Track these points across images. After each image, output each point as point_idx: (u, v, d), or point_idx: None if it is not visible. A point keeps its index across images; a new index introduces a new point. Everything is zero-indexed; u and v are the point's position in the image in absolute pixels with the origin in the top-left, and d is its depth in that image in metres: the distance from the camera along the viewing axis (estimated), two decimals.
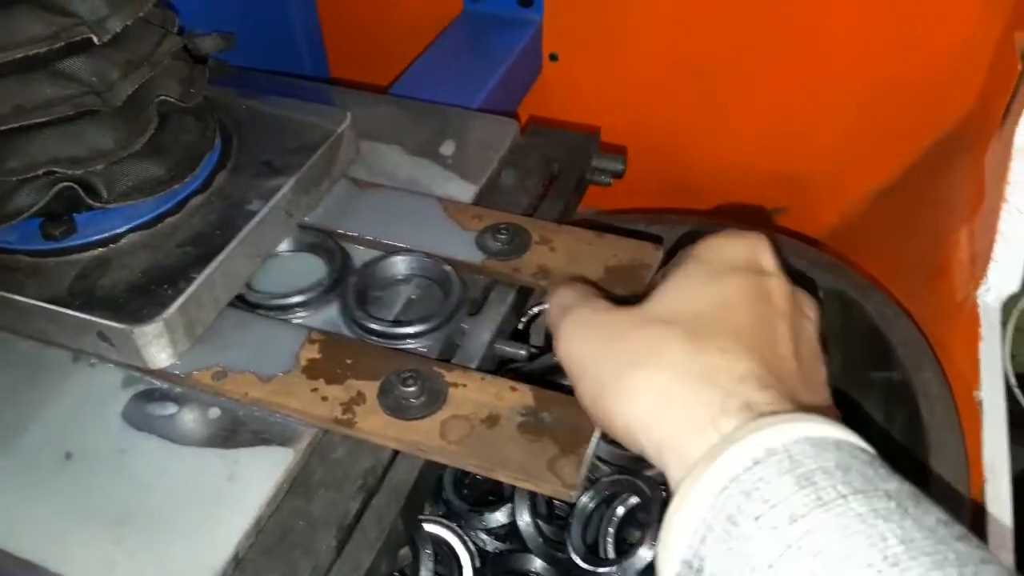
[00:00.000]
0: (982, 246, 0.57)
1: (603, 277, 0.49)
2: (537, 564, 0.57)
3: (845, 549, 0.25)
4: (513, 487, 0.60)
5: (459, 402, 0.42)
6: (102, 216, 0.47)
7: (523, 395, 0.42)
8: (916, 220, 0.73)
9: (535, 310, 0.57)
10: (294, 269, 0.51)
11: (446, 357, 0.46)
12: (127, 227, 0.47)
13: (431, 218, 0.53)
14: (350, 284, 0.48)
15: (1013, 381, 0.62)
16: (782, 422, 0.29)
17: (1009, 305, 0.59)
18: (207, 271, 0.44)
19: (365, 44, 0.93)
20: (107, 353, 0.44)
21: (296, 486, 0.40)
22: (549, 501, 0.60)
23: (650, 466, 0.43)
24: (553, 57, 0.85)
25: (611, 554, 0.54)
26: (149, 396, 0.44)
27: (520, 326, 0.57)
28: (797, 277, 0.38)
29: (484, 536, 0.58)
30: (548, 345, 0.44)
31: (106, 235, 0.46)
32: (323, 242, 0.52)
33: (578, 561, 0.53)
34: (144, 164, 0.47)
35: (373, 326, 0.46)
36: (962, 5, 0.68)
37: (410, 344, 0.46)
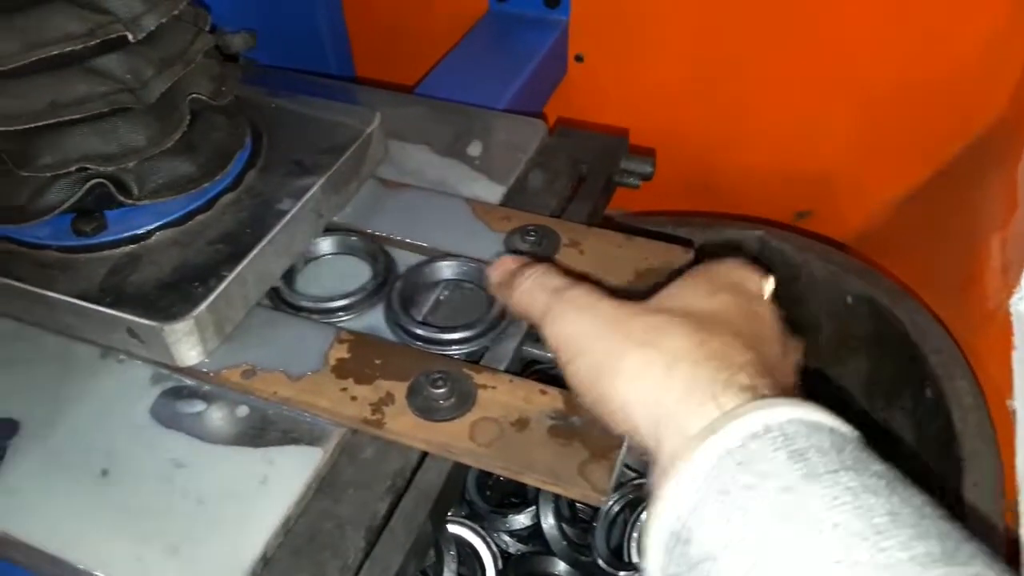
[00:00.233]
0: (1015, 255, 0.56)
1: (632, 280, 0.48)
2: (560, 567, 0.57)
3: (834, 517, 0.27)
4: (537, 489, 0.60)
5: (488, 404, 0.41)
6: (133, 213, 0.47)
7: (553, 398, 0.42)
8: (946, 226, 0.72)
9: None
10: (338, 272, 0.51)
11: (474, 358, 0.46)
12: (157, 224, 0.47)
13: (459, 219, 0.53)
14: (396, 288, 0.48)
15: None
16: (781, 404, 0.30)
17: None
18: (238, 269, 0.44)
19: (391, 44, 0.93)
20: (136, 350, 0.44)
21: (325, 486, 0.40)
22: (572, 504, 0.60)
23: None
24: (579, 58, 0.85)
25: (635, 558, 0.54)
26: (178, 393, 0.44)
27: None
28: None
29: (507, 538, 0.58)
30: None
31: (137, 232, 0.46)
32: (367, 245, 0.51)
33: (603, 565, 0.53)
34: (175, 162, 0.47)
35: (419, 331, 0.46)
36: (991, 5, 0.67)
37: (454, 349, 0.45)
